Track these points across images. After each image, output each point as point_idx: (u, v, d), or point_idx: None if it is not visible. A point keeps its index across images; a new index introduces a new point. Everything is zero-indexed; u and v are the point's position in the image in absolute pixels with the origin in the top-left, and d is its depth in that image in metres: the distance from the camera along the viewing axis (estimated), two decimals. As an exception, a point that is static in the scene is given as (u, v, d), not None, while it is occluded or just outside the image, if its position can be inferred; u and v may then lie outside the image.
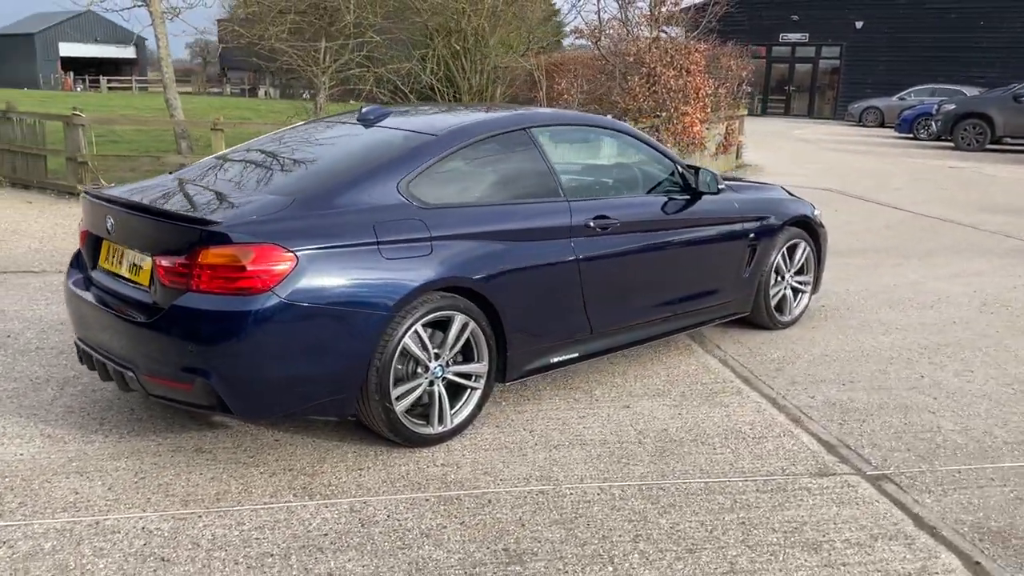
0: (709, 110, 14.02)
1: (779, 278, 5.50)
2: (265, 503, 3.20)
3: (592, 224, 4.17)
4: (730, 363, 4.93)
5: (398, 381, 3.56)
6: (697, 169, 4.78)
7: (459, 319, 3.67)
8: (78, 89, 61.70)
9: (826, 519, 3.17)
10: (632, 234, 4.40)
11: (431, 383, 3.67)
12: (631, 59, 12.84)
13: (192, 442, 3.71)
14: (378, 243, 3.44)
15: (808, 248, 5.59)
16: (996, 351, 5.20)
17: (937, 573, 2.85)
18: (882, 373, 4.77)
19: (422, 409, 3.69)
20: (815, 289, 5.81)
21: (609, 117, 4.97)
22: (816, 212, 5.74)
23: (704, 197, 4.86)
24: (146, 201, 3.50)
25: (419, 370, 3.63)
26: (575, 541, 2.98)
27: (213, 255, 3.16)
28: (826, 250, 5.88)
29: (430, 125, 4.08)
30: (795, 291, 5.67)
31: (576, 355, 4.27)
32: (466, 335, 3.72)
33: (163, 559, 2.82)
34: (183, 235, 3.24)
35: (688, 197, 4.78)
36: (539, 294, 3.98)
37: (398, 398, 3.54)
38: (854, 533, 3.07)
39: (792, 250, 5.52)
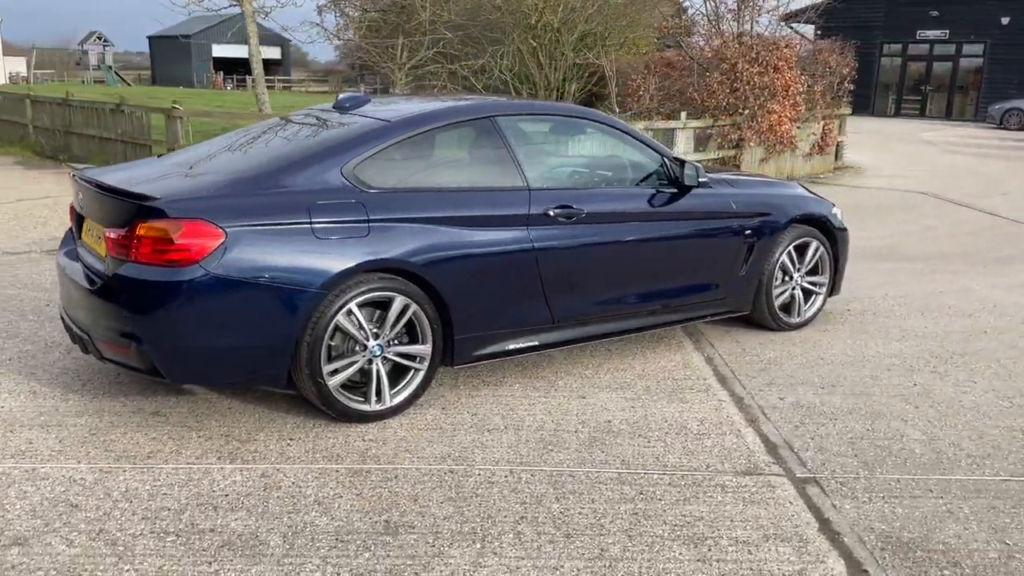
0: (802, 108, 13.53)
1: (786, 278, 5.31)
2: (188, 463, 3.40)
3: (553, 214, 4.17)
4: (715, 361, 4.81)
5: (334, 357, 3.68)
6: (683, 162, 4.69)
7: (399, 300, 3.77)
8: (228, 88, 65.45)
9: (725, 516, 3.08)
10: (602, 225, 4.37)
11: (369, 361, 3.77)
12: (710, 55, 12.54)
13: (154, 406, 3.96)
14: (311, 223, 3.58)
15: (821, 248, 5.36)
16: (1016, 363, 4.84)
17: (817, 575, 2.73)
18: (873, 379, 4.54)
19: (365, 386, 3.80)
20: (833, 291, 5.57)
21: (594, 109, 4.93)
22: (835, 212, 5.51)
23: (694, 191, 4.77)
24: (106, 179, 3.77)
25: (357, 348, 3.74)
26: (458, 519, 3.03)
27: (147, 228, 3.39)
28: (846, 252, 5.63)
29: (392, 113, 4.19)
30: (807, 292, 5.46)
31: (536, 343, 4.29)
32: (407, 317, 3.81)
33: (73, 505, 3.06)
34: (127, 210, 3.49)
35: (675, 191, 4.69)
36: (490, 281, 4.03)
37: (332, 373, 3.67)
38: (747, 532, 2.98)
39: (802, 250, 5.32)
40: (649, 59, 13.30)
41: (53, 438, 3.61)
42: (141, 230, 3.40)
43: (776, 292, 5.25)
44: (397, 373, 3.92)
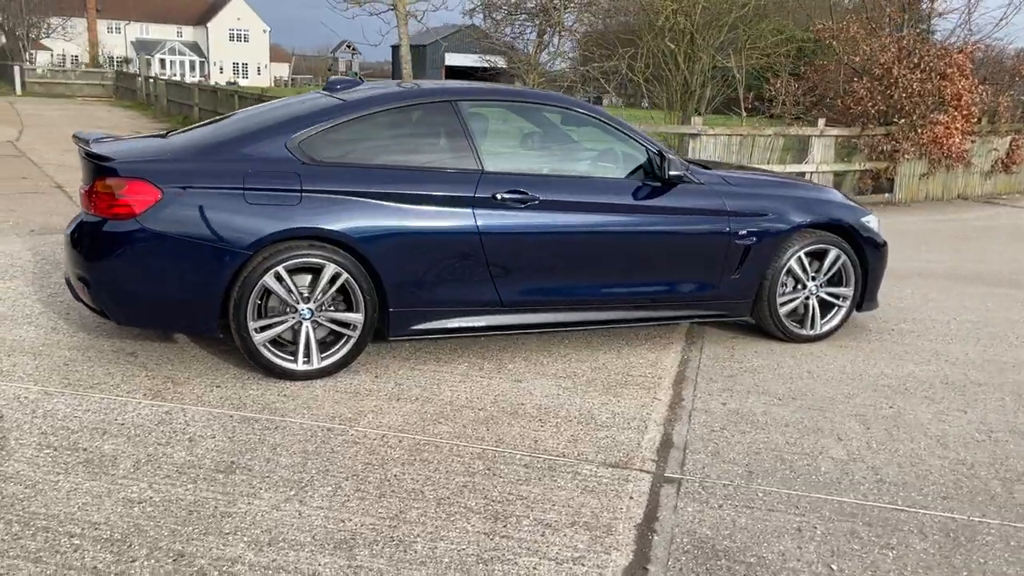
0: (977, 120, 12.34)
1: (798, 286, 4.99)
2: (117, 396, 3.82)
3: (501, 197, 4.23)
4: (691, 363, 4.64)
5: (265, 315, 3.98)
6: (662, 155, 4.57)
7: (330, 268, 4.00)
8: None
9: (548, 500, 3.05)
10: (560, 214, 4.37)
11: (299, 323, 4.03)
12: (857, 59, 11.71)
13: (134, 347, 4.45)
14: (244, 189, 3.89)
15: (844, 258, 4.99)
16: (1041, 399, 4.28)
17: (588, 565, 2.66)
18: (846, 398, 4.20)
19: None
20: (862, 305, 5.15)
21: (574, 97, 4.86)
22: (865, 221, 5.10)
23: (680, 187, 4.63)
24: (91, 146, 4.26)
25: (288, 310, 4.02)
26: (296, 469, 3.20)
27: (102, 184, 3.85)
28: (880, 265, 5.19)
29: (358, 94, 4.43)
30: (826, 304, 5.10)
31: (482, 324, 4.36)
32: (338, 284, 4.03)
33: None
34: (95, 169, 3.96)
35: (655, 184, 4.59)
36: (429, 258, 4.16)
37: (260, 329, 3.96)
38: (558, 516, 2.94)
39: (818, 257, 4.98)
40: (788, 63, 12.62)
41: (34, 364, 4.16)
42: (98, 186, 3.86)
43: (782, 300, 4.95)
44: (334, 338, 4.14)
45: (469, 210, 4.20)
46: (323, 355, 4.11)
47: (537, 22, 12.06)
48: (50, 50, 64.91)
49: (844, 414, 3.97)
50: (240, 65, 77.65)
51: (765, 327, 5.04)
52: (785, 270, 4.90)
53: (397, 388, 4.06)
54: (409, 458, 3.32)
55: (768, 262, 4.85)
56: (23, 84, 33.01)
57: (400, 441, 3.47)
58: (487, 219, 4.22)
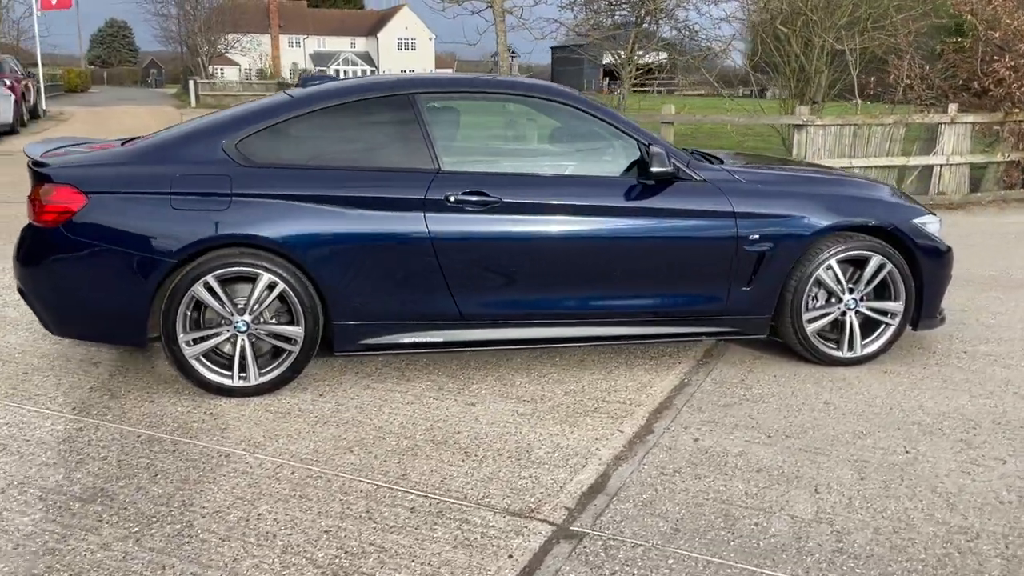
0: None
1: (832, 300, 4.26)
2: (43, 409, 3.70)
3: (454, 199, 3.81)
4: (687, 388, 4.03)
5: (194, 327, 3.76)
6: (649, 147, 3.97)
7: (265, 278, 3.72)
8: (615, 92, 68.10)
9: (410, 554, 2.61)
10: (529, 216, 3.89)
11: (235, 336, 3.78)
12: (998, 35, 10.25)
13: (104, 356, 4.35)
14: (171, 194, 3.67)
15: (889, 266, 4.21)
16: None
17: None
18: (854, 439, 3.49)
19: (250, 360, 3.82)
20: (919, 323, 4.35)
21: (564, 87, 4.29)
22: (921, 223, 4.29)
23: (677, 185, 4.04)
24: (37, 153, 4.14)
25: (222, 322, 3.77)
26: (162, 500, 2.93)
27: (36, 191, 3.74)
28: (941, 276, 4.37)
29: (306, 90, 4.13)
30: (870, 321, 4.33)
31: (440, 340, 3.96)
32: (274, 295, 3.75)
33: (-82, 427, 3.50)
34: (33, 176, 3.87)
35: (646, 182, 4.01)
36: (374, 267, 3.80)
37: (192, 342, 3.74)
38: (410, 571, 2.50)
39: (858, 265, 4.23)
40: (917, 42, 11.23)
41: (-5, 370, 4.13)
42: (33, 192, 3.76)
43: (811, 316, 4.23)
44: (274, 352, 3.86)
45: (419, 214, 3.79)
46: (262, 371, 3.82)
47: (638, 12, 11.38)
48: (238, 65, 69.65)
49: (840, 459, 3.27)
50: (407, 72, 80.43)
51: (792, 347, 4.33)
52: (813, 281, 4.17)
53: (333, 409, 3.72)
54: (289, 494, 2.97)
55: (790, 272, 4.14)
56: (197, 96, 35.56)
57: (292, 473, 3.12)
58: (440, 224, 3.80)
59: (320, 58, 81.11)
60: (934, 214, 4.47)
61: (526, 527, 2.76)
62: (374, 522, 2.79)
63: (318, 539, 2.68)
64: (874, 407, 3.79)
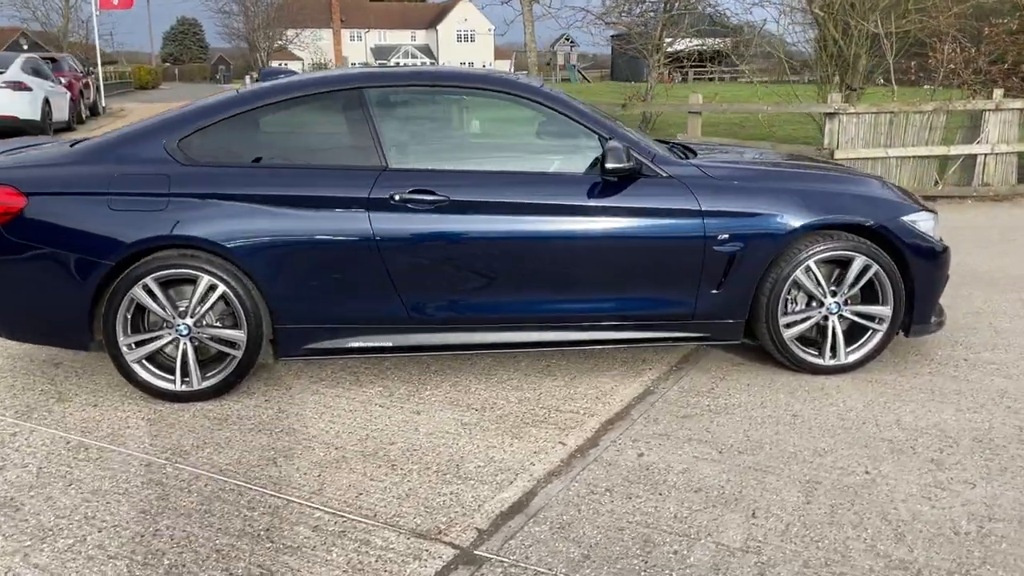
0: None
1: (812, 303, 3.99)
2: (-14, 412, 3.67)
3: (400, 198, 3.66)
4: (649, 397, 3.82)
5: (137, 330, 3.69)
6: (607, 142, 3.75)
7: (204, 280, 3.63)
8: (676, 81, 66.87)
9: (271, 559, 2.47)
10: (479, 215, 3.72)
11: (176, 340, 3.70)
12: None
13: (66, 357, 4.33)
14: (109, 195, 3.60)
15: (875, 268, 3.92)
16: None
17: None
18: (813, 456, 3.23)
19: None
20: (915, 328, 4.05)
21: (512, 76, 4.04)
22: (912, 218, 3.98)
23: (640, 181, 3.82)
24: None
25: (164, 325, 3.70)
26: (67, 511, 2.85)
27: (-20, 193, 3.70)
28: (935, 277, 4.05)
29: (252, 87, 4.01)
30: (858, 327, 4.04)
31: (389, 344, 3.82)
32: (215, 298, 3.66)
33: None
34: None
35: (612, 179, 3.79)
36: (318, 269, 3.68)
37: (133, 346, 3.67)
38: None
39: (842, 267, 3.95)
40: (961, 23, 10.59)
41: (-46, 373, 4.12)
42: (-22, 194, 3.72)
43: (788, 321, 3.97)
44: (217, 357, 3.78)
45: (363, 214, 3.65)
46: (206, 375, 3.73)
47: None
48: (301, 59, 70.77)
49: (791, 479, 3.02)
50: (466, 65, 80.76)
51: (771, 353, 4.06)
52: (790, 283, 3.90)
53: (273, 416, 3.60)
54: (195, 508, 2.86)
55: (764, 273, 3.88)
56: (250, 91, 36.29)
57: (206, 485, 3.01)
58: (385, 224, 3.65)
59: (381, 52, 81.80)
60: (930, 210, 4.14)
61: (427, 550, 2.60)
62: (271, 542, 2.65)
63: (206, 559, 2.56)
64: (846, 421, 3.51)
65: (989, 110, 9.37)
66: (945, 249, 4.06)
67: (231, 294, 3.64)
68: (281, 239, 3.63)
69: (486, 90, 3.95)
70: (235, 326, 3.71)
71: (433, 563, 2.53)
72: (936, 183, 9.59)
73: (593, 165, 3.86)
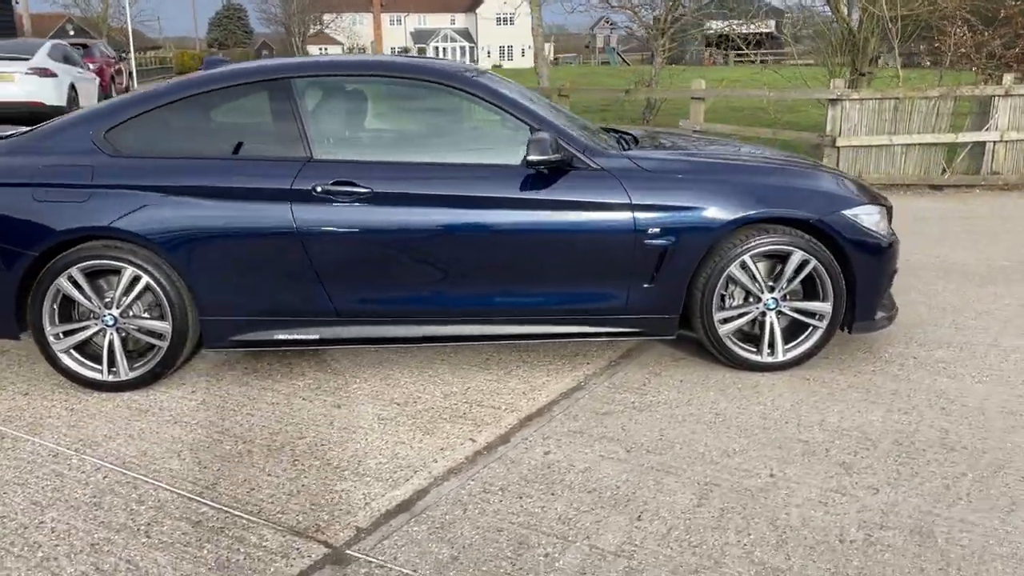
0: None
1: (750, 299, 3.90)
2: (-81, 399, 3.73)
3: (322, 190, 3.63)
4: (578, 391, 3.76)
5: (64, 320, 3.72)
6: (537, 133, 3.68)
7: (129, 271, 3.65)
8: (719, 62, 65.62)
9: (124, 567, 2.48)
10: (403, 207, 3.68)
11: (103, 331, 3.73)
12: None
13: (4, 345, 4.38)
14: (33, 186, 3.63)
15: (815, 263, 3.81)
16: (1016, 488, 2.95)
17: None
18: (721, 457, 3.16)
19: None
20: (858, 324, 3.94)
21: (457, 67, 3.95)
22: (854, 212, 3.86)
23: (572, 174, 3.75)
24: None
25: (90, 316, 3.73)
26: (-37, 501, 2.89)
27: (-92, 184, 3.75)
28: (878, 272, 3.93)
29: (181, 77, 4.01)
30: (798, 324, 3.94)
31: (316, 337, 3.81)
32: (139, 289, 3.68)
33: None
34: None
35: (543, 171, 3.72)
36: (241, 261, 3.67)
37: (60, 336, 3.71)
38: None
39: (780, 262, 3.85)
40: (975, 6, 10.20)
41: (-98, 360, 4.20)
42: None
43: (724, 316, 3.88)
44: (147, 348, 3.80)
45: (286, 205, 3.63)
46: (134, 366, 3.76)
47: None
48: (341, 44, 71.13)
49: (690, 480, 2.95)
50: (505, 48, 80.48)
51: (709, 350, 3.98)
52: (724, 279, 3.81)
53: (194, 408, 3.62)
54: (85, 501, 2.88)
55: (698, 268, 3.80)
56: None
57: (104, 478, 3.04)
58: (307, 216, 3.63)
59: (420, 35, 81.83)
60: (880, 204, 4.01)
61: (299, 549, 2.58)
62: (147, 536, 2.66)
63: (79, 553, 2.57)
64: (768, 420, 3.43)
65: (999, 96, 9.07)
66: (891, 244, 3.93)
67: (155, 285, 3.66)
68: (204, 231, 3.63)
69: (416, 80, 3.90)
70: (161, 317, 3.72)
71: (300, 562, 2.52)
72: (943, 171, 9.33)
73: (499, 154, 3.80)
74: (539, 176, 3.71)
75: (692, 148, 4.27)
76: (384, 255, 3.68)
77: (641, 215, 3.71)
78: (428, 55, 73.73)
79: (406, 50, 76.35)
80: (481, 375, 3.95)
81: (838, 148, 9.12)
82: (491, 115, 3.83)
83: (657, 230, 3.72)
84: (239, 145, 3.77)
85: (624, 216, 3.71)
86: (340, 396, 3.73)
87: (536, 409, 3.58)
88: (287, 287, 3.71)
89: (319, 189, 3.62)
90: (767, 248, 3.79)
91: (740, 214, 3.73)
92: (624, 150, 3.99)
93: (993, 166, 9.28)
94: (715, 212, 3.72)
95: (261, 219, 3.63)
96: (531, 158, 3.56)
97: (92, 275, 3.69)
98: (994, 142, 9.22)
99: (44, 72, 16.94)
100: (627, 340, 4.23)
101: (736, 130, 10.38)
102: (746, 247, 3.77)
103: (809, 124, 11.87)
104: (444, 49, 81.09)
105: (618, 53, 64.85)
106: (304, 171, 3.65)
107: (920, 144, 9.17)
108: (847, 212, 3.82)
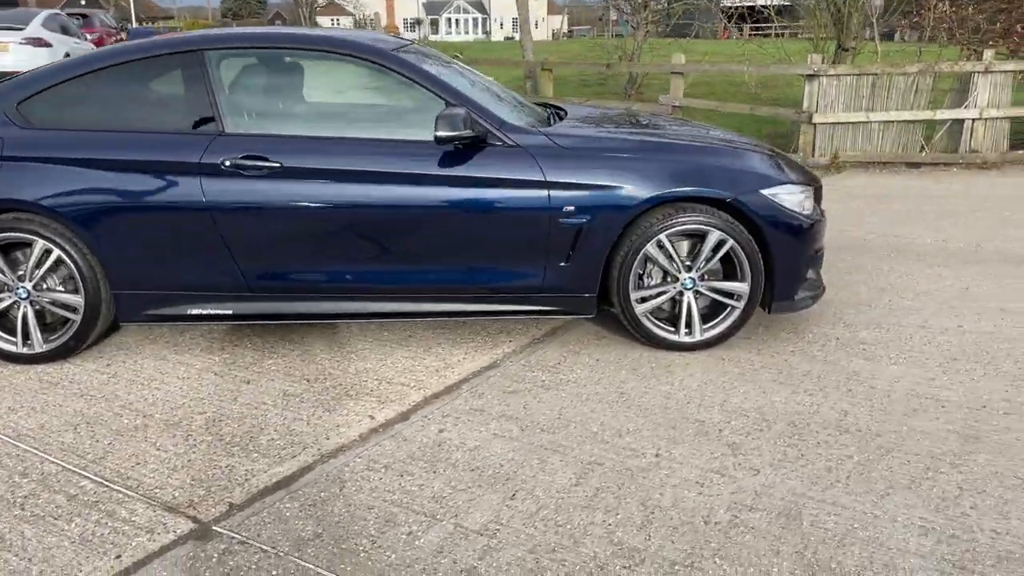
0: None
1: (668, 279, 3.87)
2: None
3: (230, 164, 3.61)
4: (492, 368, 3.76)
5: (-18, 294, 3.74)
6: (448, 107, 3.64)
7: (39, 244, 3.66)
8: (734, 37, 64.77)
9: (23, 548, 2.50)
10: (313, 182, 3.66)
11: (16, 304, 3.74)
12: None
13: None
14: (-60, 160, 3.62)
15: (731, 243, 3.78)
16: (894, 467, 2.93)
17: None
18: (613, 437, 3.15)
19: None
20: (776, 304, 3.90)
21: (363, 39, 3.87)
22: (774, 192, 3.81)
23: (487, 150, 3.71)
24: None
25: (5, 288, 3.74)
26: None
27: None
28: (799, 252, 3.88)
29: (98, 49, 3.98)
30: (719, 304, 3.92)
31: (229, 312, 3.81)
32: (50, 262, 3.68)
33: None
34: None
35: (459, 147, 3.69)
36: (152, 235, 3.67)
37: (-32, 308, 3.72)
38: None
39: (699, 242, 3.82)
40: None
41: None
42: None
43: (641, 296, 3.86)
44: (62, 322, 3.81)
45: (195, 179, 3.62)
46: (48, 339, 3.78)
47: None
48: (353, 15, 70.62)
49: (574, 459, 2.95)
50: (519, 20, 79.82)
51: (627, 329, 3.96)
52: (641, 258, 3.78)
53: (104, 381, 3.63)
54: (-27, 471, 2.89)
55: (614, 247, 3.77)
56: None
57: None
58: (217, 190, 3.62)
59: (433, 7, 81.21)
60: (805, 183, 3.95)
61: (166, 524, 2.60)
62: (21, 509, 2.68)
63: (-50, 524, 2.59)
64: (670, 400, 3.41)
65: (978, 72, 8.93)
66: (813, 224, 3.88)
67: (67, 259, 3.66)
68: (115, 204, 3.62)
69: (333, 53, 3.85)
70: (75, 291, 3.72)
71: (163, 537, 2.53)
72: (922, 149, 9.22)
73: (410, 131, 3.77)
74: (455, 153, 3.68)
75: (628, 127, 4.23)
76: (295, 231, 3.67)
77: (556, 193, 3.67)
78: (440, 26, 72.98)
79: (418, 21, 75.75)
80: (399, 352, 3.95)
81: (815, 125, 9.02)
82: (409, 90, 3.78)
83: (572, 208, 3.69)
84: (151, 118, 3.75)
85: (539, 194, 3.67)
86: (252, 371, 3.73)
87: (444, 387, 3.58)
88: (198, 262, 3.70)
89: (228, 163, 3.60)
90: (684, 228, 3.75)
91: (655, 193, 3.70)
92: (546, 126, 3.95)
93: (972, 144, 9.16)
94: (631, 190, 3.69)
95: (170, 193, 3.62)
96: (439, 134, 3.53)
97: (6, 248, 3.69)
98: (973, 120, 9.09)
99: (38, 42, 16.90)
100: (554, 319, 4.21)
101: (716, 106, 10.28)
102: (662, 226, 3.74)
103: (795, 100, 11.71)
104: (456, 20, 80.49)
105: (632, 27, 64.21)
106: (214, 145, 3.63)
107: (898, 121, 9.06)
108: (766, 191, 3.77)
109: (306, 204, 3.64)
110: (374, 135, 3.77)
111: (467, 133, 3.57)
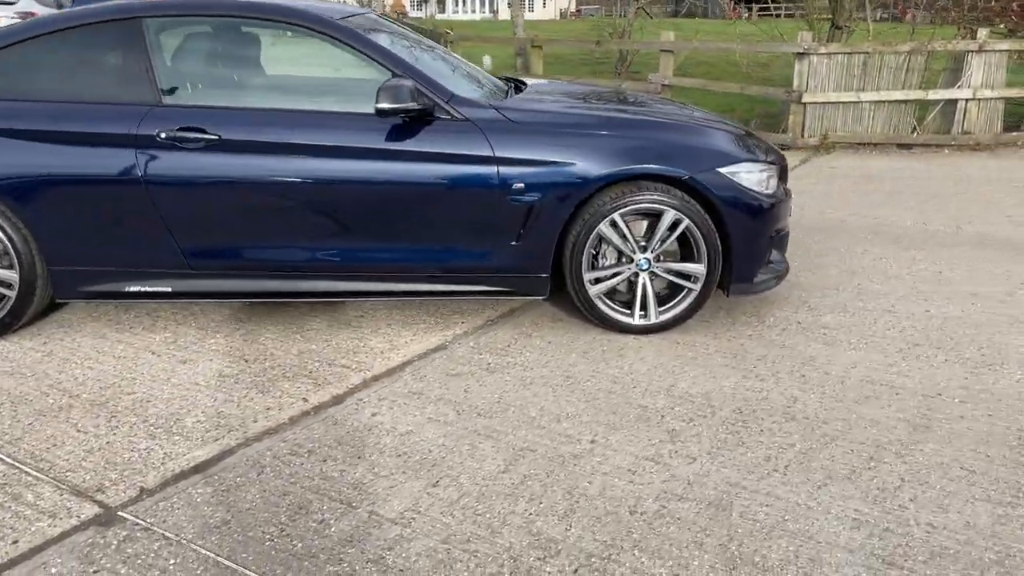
0: None
1: (623, 259, 3.74)
2: None
3: (166, 136, 3.49)
4: (440, 350, 3.65)
5: (-87, 270, 3.63)
6: (393, 78, 3.51)
7: (-33, 219, 3.55)
8: (743, 17, 64.00)
9: (-90, 533, 2.40)
10: (252, 156, 3.53)
11: (-50, 280, 3.64)
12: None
13: None
14: None
15: (687, 223, 3.65)
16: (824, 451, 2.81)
17: None
18: (551, 421, 3.04)
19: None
20: (735, 286, 3.78)
21: (319, 9, 3.73)
22: (733, 170, 3.68)
23: (436, 124, 3.58)
24: None
25: (-64, 264, 3.63)
26: None
27: None
28: (757, 232, 3.75)
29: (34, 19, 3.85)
30: (676, 286, 3.79)
31: (168, 290, 3.70)
32: (-18, 238, 3.57)
33: None
34: None
35: (405, 120, 3.56)
36: (86, 209, 3.56)
37: (-96, 285, 3.62)
38: None
39: (656, 221, 3.69)
40: None
41: None
42: None
43: (595, 276, 3.74)
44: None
45: (131, 151, 3.50)
46: (-20, 315, 3.67)
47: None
48: (356, -5, 70.15)
49: (507, 446, 2.84)
50: (527, -1, 79.20)
51: (581, 311, 3.84)
52: (594, 237, 3.65)
53: (37, 360, 3.53)
54: None
55: (567, 226, 3.64)
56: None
57: (-87, 429, 2.95)
58: (152, 163, 3.50)
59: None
60: (767, 161, 3.81)
61: (70, 508, 2.50)
62: (-76, 491, 2.58)
63: None
64: (617, 385, 3.30)
65: (972, 51, 8.73)
66: (774, 204, 3.75)
67: (0, 234, 3.54)
68: (47, 177, 3.51)
69: (277, 22, 3.72)
70: (10, 267, 3.62)
71: (64, 523, 2.43)
72: (914, 130, 9.03)
73: (354, 104, 3.64)
74: (401, 126, 3.55)
75: (587, 103, 4.10)
76: (234, 206, 3.55)
77: (505, 169, 3.55)
78: (447, 5, 72.26)
79: (425, 0, 75.24)
80: (346, 333, 3.84)
81: (804, 104, 8.84)
82: (355, 61, 3.65)
83: (522, 185, 3.56)
84: (88, 88, 3.62)
85: (487, 170, 3.55)
86: (191, 351, 3.63)
87: (386, 369, 3.47)
88: (136, 238, 3.59)
89: (163, 135, 3.48)
90: (639, 206, 3.62)
91: (609, 170, 3.57)
92: (500, 101, 3.82)
93: (965, 125, 8.97)
94: (584, 167, 3.56)
95: (105, 166, 3.50)
96: (380, 106, 3.40)
97: (-55, 222, 3.58)
98: (966, 100, 8.90)
99: (28, 17, 16.76)
100: (511, 300, 4.09)
101: (706, 84, 10.10)
102: (615, 205, 3.61)
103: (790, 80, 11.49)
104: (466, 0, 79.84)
105: (643, 7, 63.58)
106: (150, 116, 3.50)
107: (889, 101, 8.87)
108: (723, 170, 3.64)
109: (246, 178, 3.52)
110: (319, 107, 3.64)
111: (411, 105, 3.43)
